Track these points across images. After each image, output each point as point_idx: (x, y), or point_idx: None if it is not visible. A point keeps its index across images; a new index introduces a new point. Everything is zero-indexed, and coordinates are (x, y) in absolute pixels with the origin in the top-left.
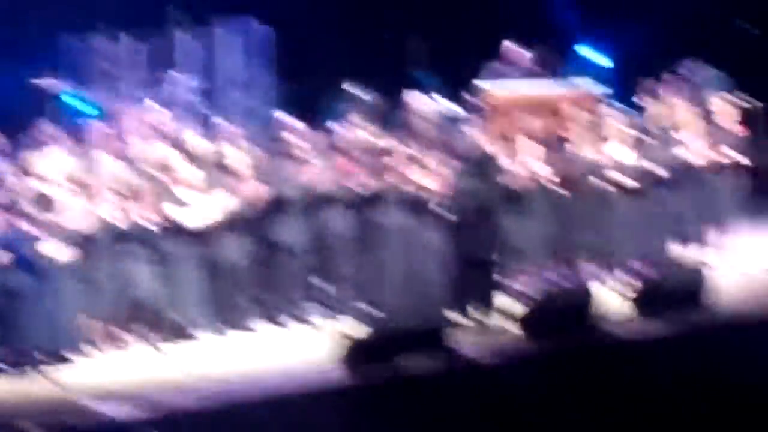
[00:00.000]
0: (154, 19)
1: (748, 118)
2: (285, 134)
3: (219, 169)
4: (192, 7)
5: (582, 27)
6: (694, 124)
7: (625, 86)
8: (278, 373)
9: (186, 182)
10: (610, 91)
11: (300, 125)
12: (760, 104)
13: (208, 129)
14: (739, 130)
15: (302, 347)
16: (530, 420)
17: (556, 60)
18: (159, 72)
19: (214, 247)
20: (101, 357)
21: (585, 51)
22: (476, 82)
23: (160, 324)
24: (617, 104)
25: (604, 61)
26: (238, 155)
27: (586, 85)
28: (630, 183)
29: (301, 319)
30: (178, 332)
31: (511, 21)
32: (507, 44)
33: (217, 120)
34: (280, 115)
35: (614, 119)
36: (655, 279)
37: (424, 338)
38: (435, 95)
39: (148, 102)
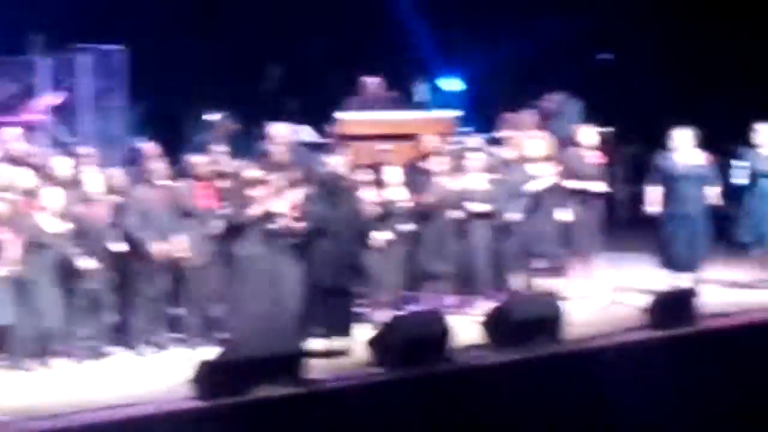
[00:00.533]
0: (13, 45)
1: (603, 147)
2: (143, 159)
3: (77, 192)
4: (51, 32)
5: (439, 58)
6: (552, 153)
7: (480, 116)
8: (133, 400)
9: (46, 205)
10: (464, 120)
11: (156, 150)
12: (612, 131)
13: (65, 153)
14: (597, 159)
15: (157, 374)
16: None
17: (413, 91)
18: (19, 96)
19: (72, 272)
20: None
21: (443, 82)
22: (337, 113)
23: (18, 349)
24: (474, 134)
25: (459, 89)
26: (95, 179)
27: (442, 114)
28: (485, 211)
29: (158, 346)
30: (35, 357)
31: (372, 53)
32: (367, 78)
33: (75, 144)
34: (138, 139)
35: (470, 148)
36: (509, 307)
37: (278, 365)
38: (295, 125)
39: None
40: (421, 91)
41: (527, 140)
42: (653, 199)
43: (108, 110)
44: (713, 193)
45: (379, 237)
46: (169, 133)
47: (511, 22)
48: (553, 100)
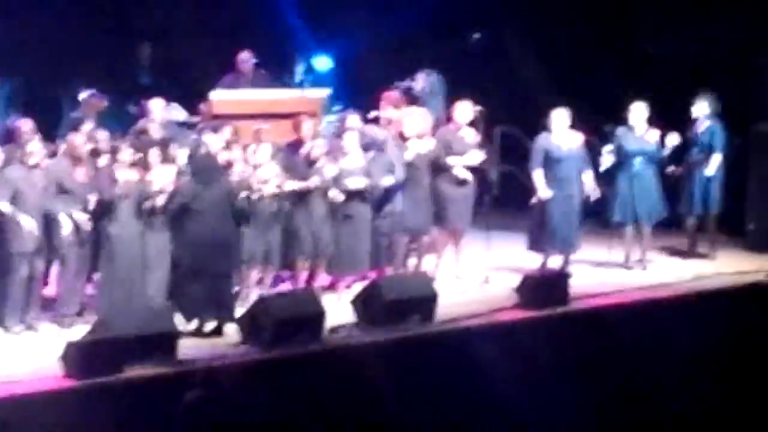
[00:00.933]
0: None
1: (475, 126)
2: (17, 138)
3: None
4: None
5: (311, 35)
6: (426, 130)
7: (351, 95)
8: (2, 379)
9: None
10: (335, 99)
11: (32, 128)
12: (484, 110)
13: None
14: (473, 136)
15: (28, 353)
16: (249, 425)
17: (286, 69)
18: None
19: None
20: None
21: (318, 60)
22: (210, 92)
23: None
24: (349, 112)
25: (329, 67)
26: None
27: (314, 93)
28: (361, 188)
29: (29, 326)
30: None
31: (246, 31)
32: (240, 56)
33: None
34: (12, 118)
35: (347, 128)
36: (380, 286)
37: (149, 345)
38: (167, 102)
39: None
40: (298, 71)
41: (406, 118)
42: (542, 183)
43: None
44: (588, 179)
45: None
46: (41, 111)
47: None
48: (419, 78)
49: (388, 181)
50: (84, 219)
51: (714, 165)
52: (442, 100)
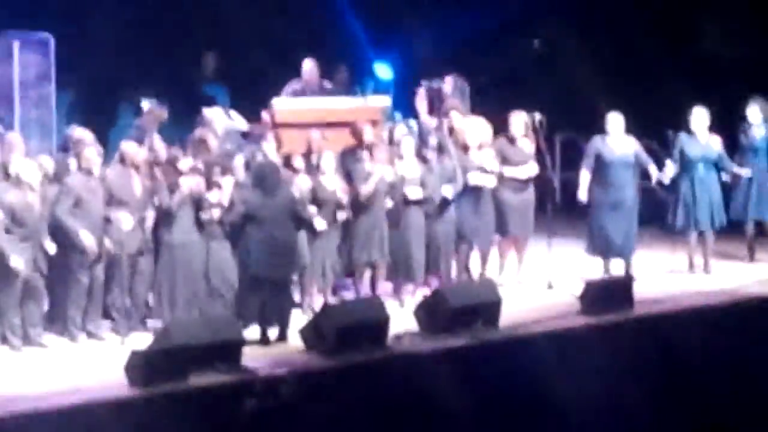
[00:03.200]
0: None
1: (533, 133)
2: (78, 147)
3: (11, 180)
4: None
5: (374, 44)
6: (488, 140)
7: (409, 102)
8: (67, 389)
9: None
10: (393, 105)
11: (91, 137)
12: (541, 117)
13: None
14: (529, 144)
15: (92, 363)
16: None
17: (351, 77)
18: None
19: (5, 258)
20: None
21: (379, 68)
22: (274, 99)
23: None
24: (406, 120)
25: (390, 76)
26: (28, 167)
27: (375, 101)
28: (419, 197)
29: (92, 334)
30: None
31: (309, 40)
32: (305, 64)
33: (7, 133)
34: (74, 128)
35: (403, 134)
36: (444, 294)
37: (213, 353)
38: (229, 111)
39: None
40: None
41: (469, 127)
42: (584, 185)
43: (36, 98)
44: (653, 173)
45: (316, 224)
46: (100, 120)
47: (438, 11)
48: (448, 80)
49: (447, 191)
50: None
51: None
52: (467, 105)
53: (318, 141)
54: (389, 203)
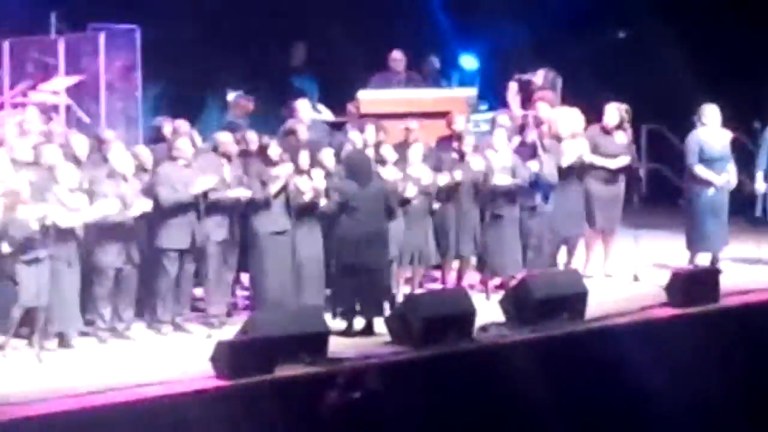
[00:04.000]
0: (30, 24)
1: (622, 122)
2: (171, 136)
3: (102, 172)
4: (72, 13)
5: (460, 35)
6: (580, 130)
7: (494, 93)
8: (155, 380)
9: (68, 184)
10: (479, 96)
11: (186, 127)
12: (629, 108)
13: (87, 132)
14: (621, 136)
15: (179, 354)
16: (409, 426)
17: (436, 68)
18: (41, 75)
19: (95, 250)
20: None
21: (464, 59)
22: (359, 91)
23: (42, 329)
24: (496, 111)
25: (475, 66)
26: (121, 159)
27: (461, 92)
28: (510, 187)
29: (180, 327)
30: (59, 338)
31: (394, 32)
32: (392, 54)
33: (92, 125)
34: (163, 119)
35: (487, 126)
36: (530, 285)
37: (300, 344)
38: (317, 103)
39: (30, 105)
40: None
41: (561, 118)
42: (711, 174)
43: (122, 90)
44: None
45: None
46: (187, 112)
47: (523, 1)
48: (539, 73)
49: (542, 204)
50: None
51: None
52: (558, 97)
53: (407, 132)
54: (480, 193)
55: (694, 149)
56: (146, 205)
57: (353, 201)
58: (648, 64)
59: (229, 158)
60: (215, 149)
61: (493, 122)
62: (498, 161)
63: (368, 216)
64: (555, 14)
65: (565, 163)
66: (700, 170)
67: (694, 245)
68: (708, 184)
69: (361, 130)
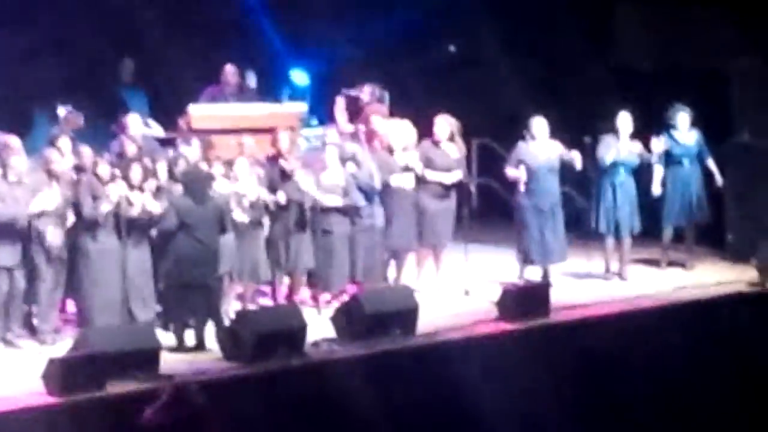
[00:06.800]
0: None
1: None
2: (4, 154)
3: None
4: None
5: (288, 50)
6: (412, 143)
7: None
8: None
9: None
10: (310, 111)
11: (17, 144)
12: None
13: None
14: (456, 152)
15: (9, 371)
16: None
17: (268, 83)
18: None
19: None
20: None
21: (295, 74)
22: (189, 106)
23: None
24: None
25: (305, 81)
26: None
27: (291, 106)
28: (340, 205)
29: (9, 343)
30: None
31: (227, 47)
32: (226, 68)
33: None
34: None
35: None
36: (361, 300)
37: (133, 360)
38: (148, 119)
39: None
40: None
41: (393, 130)
42: (515, 172)
43: None
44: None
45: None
46: (14, 128)
47: (354, 16)
48: (366, 89)
49: (372, 216)
50: (58, 235)
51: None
52: (385, 112)
53: (236, 147)
54: (310, 209)
55: (513, 160)
56: None
57: (189, 218)
58: (479, 78)
59: (56, 176)
60: (41, 167)
61: (323, 139)
62: (328, 179)
63: (204, 233)
64: (387, 29)
65: (393, 183)
66: (510, 171)
67: (526, 257)
68: (534, 194)
69: (188, 144)
